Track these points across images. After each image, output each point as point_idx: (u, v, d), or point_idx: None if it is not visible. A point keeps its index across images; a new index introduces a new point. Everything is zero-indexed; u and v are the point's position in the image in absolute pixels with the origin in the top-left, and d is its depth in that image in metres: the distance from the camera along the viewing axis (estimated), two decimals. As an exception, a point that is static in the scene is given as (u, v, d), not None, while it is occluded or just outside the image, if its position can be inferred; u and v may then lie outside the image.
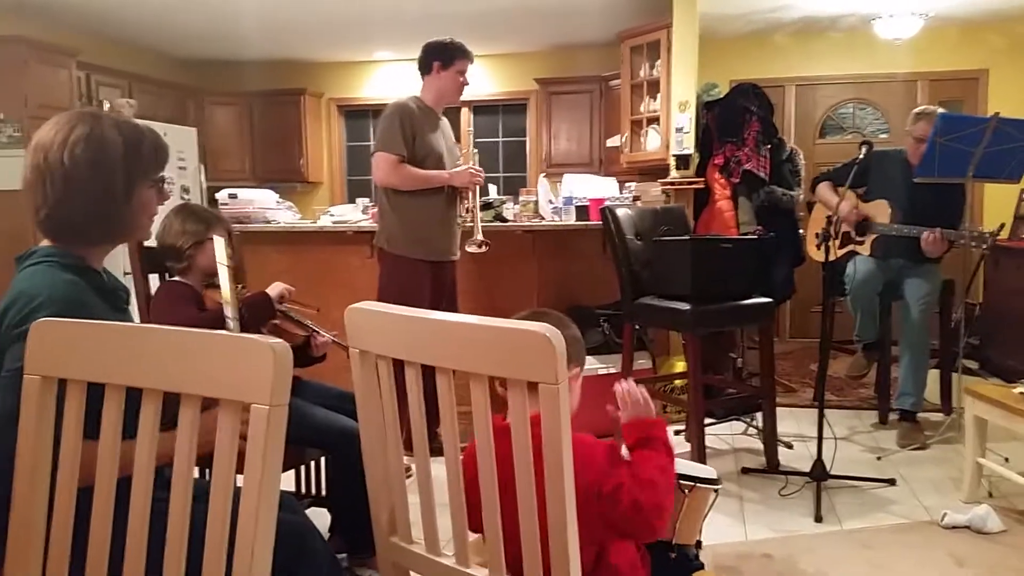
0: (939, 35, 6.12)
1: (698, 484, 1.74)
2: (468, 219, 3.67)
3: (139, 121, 1.67)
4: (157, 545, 1.18)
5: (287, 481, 2.73)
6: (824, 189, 4.15)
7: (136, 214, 1.61)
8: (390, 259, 3.54)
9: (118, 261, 3.45)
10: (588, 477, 1.46)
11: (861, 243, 4.02)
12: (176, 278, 2.53)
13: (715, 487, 1.79)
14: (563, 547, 1.27)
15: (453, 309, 3.64)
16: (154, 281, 2.67)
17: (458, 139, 3.92)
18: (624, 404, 1.65)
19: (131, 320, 1.63)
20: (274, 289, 2.53)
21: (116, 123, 1.57)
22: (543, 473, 1.26)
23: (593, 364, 3.92)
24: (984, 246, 3.59)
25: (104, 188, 1.54)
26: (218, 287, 2.49)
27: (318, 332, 2.60)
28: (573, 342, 1.66)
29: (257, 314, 2.40)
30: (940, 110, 3.84)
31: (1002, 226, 3.76)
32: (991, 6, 5.65)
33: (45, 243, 1.58)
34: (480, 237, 3.59)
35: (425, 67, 3.59)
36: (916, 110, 3.99)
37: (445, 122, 3.71)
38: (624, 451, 1.68)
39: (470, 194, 3.64)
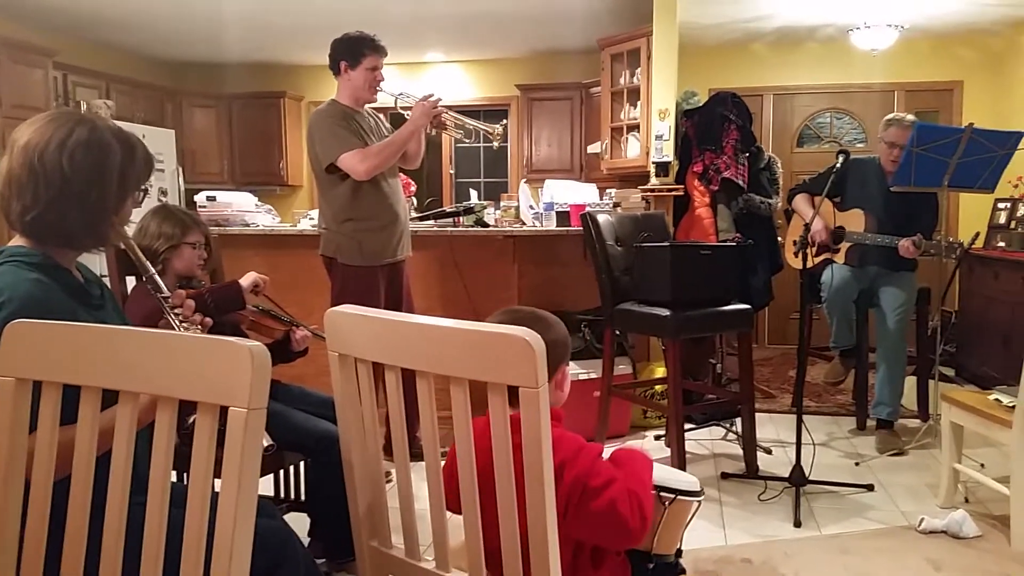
0: (915, 47, 6.21)
1: (679, 496, 1.68)
2: (461, 134, 3.54)
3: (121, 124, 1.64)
4: (134, 550, 1.16)
5: (266, 486, 2.71)
6: (800, 202, 4.17)
7: (119, 223, 1.59)
8: (348, 270, 3.37)
9: (93, 263, 3.39)
10: (577, 471, 1.46)
11: (837, 251, 4.06)
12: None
13: (697, 499, 1.72)
14: (543, 550, 1.27)
15: (410, 309, 3.55)
16: (131, 283, 2.63)
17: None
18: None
19: (108, 316, 1.59)
20: (247, 279, 2.47)
21: (112, 129, 1.53)
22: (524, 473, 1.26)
23: (574, 370, 3.91)
24: (953, 256, 3.64)
25: (100, 196, 1.50)
26: (192, 288, 2.47)
27: (297, 326, 2.57)
28: (560, 344, 1.65)
29: (225, 303, 2.35)
30: (910, 117, 3.91)
31: (976, 235, 3.81)
32: (965, 20, 5.73)
33: (13, 242, 1.53)
34: (497, 129, 3.47)
35: (334, 69, 3.42)
36: (887, 117, 4.05)
37: (374, 116, 3.55)
38: (605, 454, 1.68)
39: (447, 125, 3.48)
